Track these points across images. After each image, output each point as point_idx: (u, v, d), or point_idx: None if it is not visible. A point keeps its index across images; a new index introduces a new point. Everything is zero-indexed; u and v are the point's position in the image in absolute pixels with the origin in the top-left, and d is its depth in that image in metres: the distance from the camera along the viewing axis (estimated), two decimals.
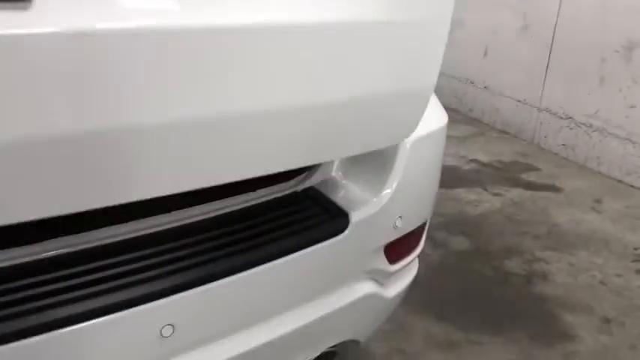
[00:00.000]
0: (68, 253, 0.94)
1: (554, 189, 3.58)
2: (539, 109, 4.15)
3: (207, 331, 1.03)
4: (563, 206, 3.36)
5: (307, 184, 1.25)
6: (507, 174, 3.75)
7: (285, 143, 0.94)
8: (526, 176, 3.74)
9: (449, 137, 4.64)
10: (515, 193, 3.50)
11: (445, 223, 3.09)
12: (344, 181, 1.27)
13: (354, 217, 1.17)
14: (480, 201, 3.37)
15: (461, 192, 3.46)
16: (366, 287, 1.28)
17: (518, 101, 4.30)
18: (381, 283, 1.34)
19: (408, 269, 1.44)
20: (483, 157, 3.98)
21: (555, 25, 3.93)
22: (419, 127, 1.23)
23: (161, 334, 0.95)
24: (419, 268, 2.65)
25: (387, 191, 1.22)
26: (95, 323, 0.86)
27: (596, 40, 3.68)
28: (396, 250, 1.31)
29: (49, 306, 0.85)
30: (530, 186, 3.60)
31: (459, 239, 2.95)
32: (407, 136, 1.16)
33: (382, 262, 1.30)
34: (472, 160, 3.92)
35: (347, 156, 1.16)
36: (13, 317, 0.81)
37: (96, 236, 0.98)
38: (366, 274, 1.28)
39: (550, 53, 4.00)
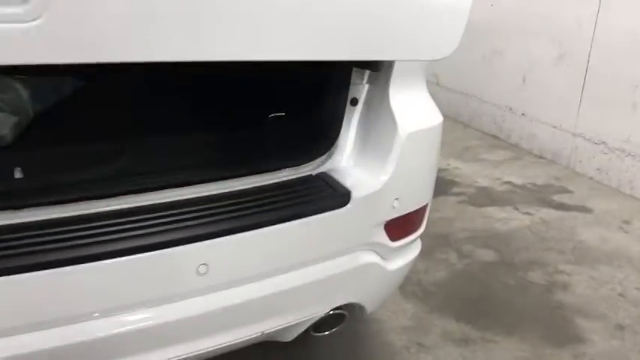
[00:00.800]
0: (141, 206, 1.26)
1: (584, 210, 3.70)
2: (574, 135, 4.29)
3: (235, 274, 1.31)
4: (591, 225, 3.47)
5: (321, 169, 1.53)
6: (539, 195, 3.89)
7: (342, 31, 1.15)
8: (558, 198, 3.87)
9: (486, 160, 4.82)
10: (545, 212, 3.63)
11: (473, 237, 3.27)
12: (352, 169, 1.54)
13: (355, 194, 1.43)
14: (509, 219, 3.53)
15: (492, 210, 3.63)
16: (368, 257, 1.53)
17: (554, 127, 4.45)
18: (383, 257, 1.58)
19: (410, 248, 1.67)
20: (517, 180, 4.13)
21: (589, 53, 4.10)
22: (414, 122, 1.49)
23: (198, 272, 1.24)
24: (442, 274, 2.86)
25: (384, 176, 1.47)
26: (153, 254, 1.17)
27: (628, 67, 3.82)
28: (395, 229, 1.55)
29: (125, 238, 1.16)
30: (560, 207, 3.73)
31: (485, 251, 3.13)
32: (447, 53, 1.35)
33: (383, 238, 1.54)
34: (506, 182, 4.08)
35: (392, 59, 1.36)
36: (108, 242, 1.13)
37: (163, 195, 1.30)
38: (368, 245, 1.54)
39: (584, 81, 4.16)
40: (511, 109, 4.83)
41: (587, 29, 4.07)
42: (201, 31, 1.02)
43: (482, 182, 4.01)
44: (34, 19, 0.87)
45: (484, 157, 4.48)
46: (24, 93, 1.51)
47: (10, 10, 0.85)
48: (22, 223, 1.18)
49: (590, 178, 4.17)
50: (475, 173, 4.17)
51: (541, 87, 4.52)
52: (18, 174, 1.29)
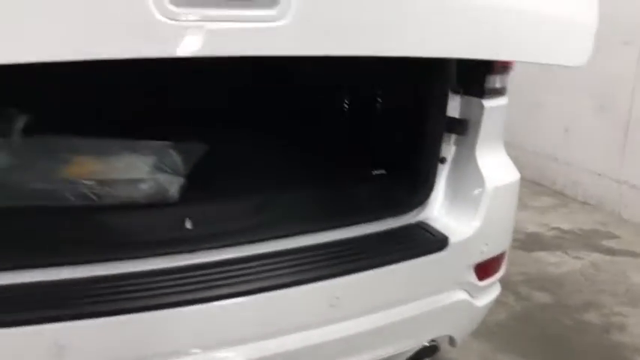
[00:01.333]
0: (282, 250, 1.54)
1: (633, 254, 3.85)
2: (619, 182, 4.47)
3: (354, 308, 1.57)
4: None
5: (418, 218, 1.79)
6: (588, 240, 4.06)
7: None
8: (606, 243, 4.04)
9: (533, 207, 4.98)
10: (595, 257, 3.80)
11: (528, 280, 3.46)
12: (444, 218, 1.80)
13: (452, 240, 1.69)
14: (560, 263, 3.71)
15: (543, 255, 3.82)
16: (460, 295, 1.78)
17: (599, 174, 4.64)
18: (472, 295, 1.82)
19: (493, 287, 1.91)
20: (565, 226, 4.31)
21: (631, 104, 4.33)
22: (498, 178, 1.75)
23: (329, 304, 1.51)
24: (503, 315, 3.04)
25: (476, 224, 1.74)
26: (297, 289, 1.44)
27: None
28: (483, 270, 1.80)
29: (276, 276, 1.44)
30: (609, 251, 3.90)
31: (540, 294, 3.31)
32: (580, 62, 1.60)
33: (473, 278, 1.79)
34: (554, 228, 4.27)
35: (529, 60, 1.61)
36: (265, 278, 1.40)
37: (294, 241, 1.58)
38: (460, 284, 1.78)
39: (627, 129, 4.37)
40: (555, 157, 5.04)
41: (627, 79, 4.31)
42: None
43: (532, 228, 4.20)
44: (280, 19, 1.16)
45: (530, 204, 4.67)
46: (177, 158, 1.82)
47: (264, 12, 1.15)
48: (195, 264, 1.47)
49: (636, 224, 4.32)
50: (524, 220, 4.36)
51: (584, 136, 4.74)
52: (188, 225, 1.58)
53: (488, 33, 1.44)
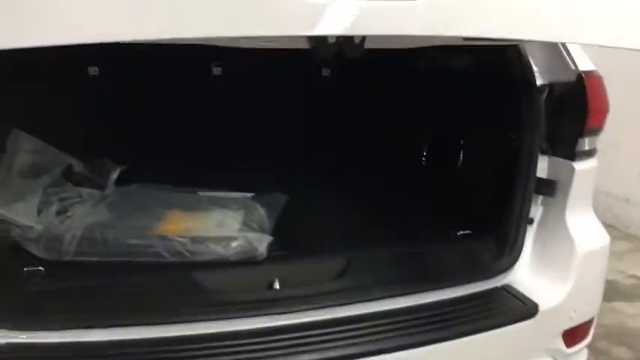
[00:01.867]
0: (366, 314, 1.55)
1: None
2: None
3: None
4: None
5: (505, 281, 1.76)
6: None
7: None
8: None
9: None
10: None
11: (606, 333, 3.31)
12: (531, 282, 1.76)
13: (542, 306, 1.65)
14: (639, 315, 3.54)
15: (621, 305, 3.65)
16: None
17: None
18: None
19: (580, 354, 1.85)
20: None
21: None
22: (588, 241, 1.71)
23: None
24: None
25: (565, 290, 1.69)
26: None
27: None
28: (571, 336, 1.74)
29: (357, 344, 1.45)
30: None
31: (620, 349, 3.16)
32: None
33: (560, 344, 1.74)
34: (631, 276, 4.08)
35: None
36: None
37: (380, 304, 1.59)
38: (547, 352, 1.73)
39: None
40: (628, 200, 4.86)
41: None
42: None
43: (608, 275, 4.03)
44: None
45: None
46: (263, 213, 1.87)
47: None
48: (282, 326, 1.49)
49: None
50: None
51: None
52: (277, 285, 1.61)
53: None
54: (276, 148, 2.69)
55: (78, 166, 2.12)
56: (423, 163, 2.40)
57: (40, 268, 1.61)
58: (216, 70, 2.86)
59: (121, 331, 1.46)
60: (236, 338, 1.48)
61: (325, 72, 3.01)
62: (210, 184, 2.21)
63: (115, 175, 2.06)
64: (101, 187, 2.03)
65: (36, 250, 1.71)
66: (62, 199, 1.86)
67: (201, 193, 2.06)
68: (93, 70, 2.69)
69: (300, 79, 2.88)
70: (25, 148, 1.96)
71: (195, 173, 2.22)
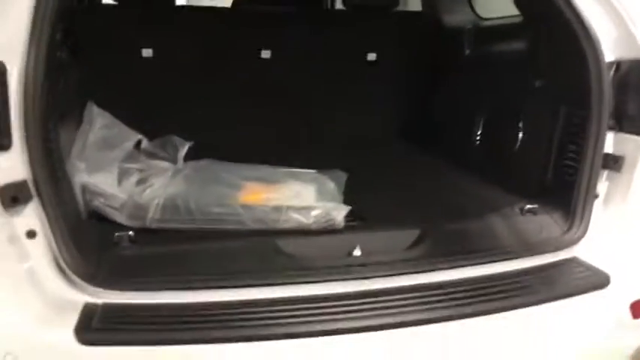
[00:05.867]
0: (450, 281, 1.61)
1: None
2: None
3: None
4: None
5: (574, 254, 1.81)
6: None
7: None
8: None
9: None
10: None
11: None
12: (601, 254, 1.80)
13: (613, 277, 1.70)
14: None
15: None
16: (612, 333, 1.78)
17: None
18: (623, 332, 1.82)
19: None
20: None
21: None
22: None
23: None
24: None
25: (636, 261, 1.74)
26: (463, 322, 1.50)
27: None
28: (638, 308, 1.79)
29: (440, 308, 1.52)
30: None
31: None
32: None
33: (628, 316, 1.78)
34: None
35: None
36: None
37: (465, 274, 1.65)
38: (615, 322, 1.78)
39: None
40: None
41: None
42: None
43: None
44: None
45: None
46: (333, 186, 1.92)
47: None
48: (362, 291, 1.55)
49: None
50: None
51: None
52: (357, 252, 1.67)
53: None
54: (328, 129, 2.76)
55: (145, 142, 2.17)
56: (487, 140, 2.45)
57: (130, 232, 1.66)
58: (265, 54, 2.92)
59: (212, 293, 1.52)
60: (320, 301, 1.54)
61: (371, 57, 3.06)
62: (268, 162, 2.26)
63: (184, 151, 2.11)
64: (171, 162, 2.08)
65: (120, 218, 1.76)
66: (140, 171, 1.91)
67: (263, 167, 2.11)
68: (146, 52, 2.75)
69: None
70: (100, 122, 2.01)
71: (253, 152, 2.28)
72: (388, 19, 3.01)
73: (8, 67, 1.35)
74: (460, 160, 2.47)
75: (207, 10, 3.12)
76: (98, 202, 1.78)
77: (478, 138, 2.48)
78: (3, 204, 1.41)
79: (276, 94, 2.86)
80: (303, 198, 1.81)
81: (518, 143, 2.21)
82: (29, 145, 1.39)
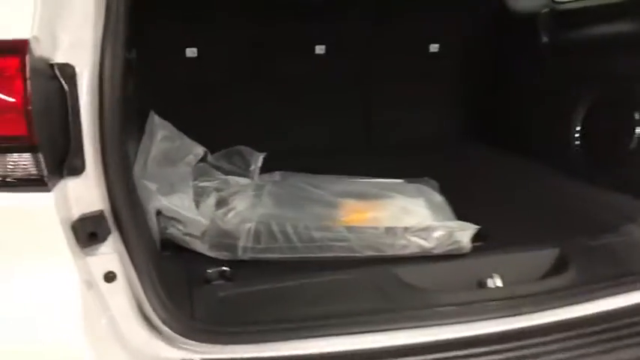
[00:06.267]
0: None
1: None
2: None
3: None
4: None
5: None
6: None
7: None
8: None
9: None
10: None
11: None
12: None
13: None
14: None
15: None
16: None
17: None
18: None
19: None
20: None
21: None
22: None
23: None
24: None
25: None
26: None
27: None
28: None
29: None
30: None
31: None
32: None
33: None
34: None
35: None
36: None
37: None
38: None
39: None
40: None
41: None
42: None
43: None
44: None
45: None
46: (439, 197, 1.65)
47: None
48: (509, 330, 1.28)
49: None
50: None
51: None
52: (498, 282, 1.37)
53: None
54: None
55: (209, 154, 1.88)
56: (591, 138, 2.15)
57: (223, 268, 1.37)
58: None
59: (332, 341, 1.24)
60: (462, 347, 1.26)
61: (433, 48, 2.78)
62: (342, 170, 1.98)
63: (259, 163, 1.82)
64: (243, 176, 1.80)
65: (202, 248, 1.48)
66: (218, 190, 1.62)
67: (351, 179, 1.82)
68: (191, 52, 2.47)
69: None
70: (160, 134, 1.73)
71: (309, 158, 1.99)
72: (452, 6, 2.72)
73: (77, 70, 1.07)
74: (555, 162, 2.18)
75: (254, 3, 2.84)
76: (175, 230, 1.49)
77: (577, 136, 2.19)
78: (79, 242, 1.13)
79: (332, 92, 2.58)
80: (414, 215, 1.53)
81: (635, 139, 1.92)
82: (106, 166, 1.11)
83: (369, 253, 1.45)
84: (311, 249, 1.45)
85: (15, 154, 1.09)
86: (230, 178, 1.70)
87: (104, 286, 1.18)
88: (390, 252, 1.45)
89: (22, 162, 1.10)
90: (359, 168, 1.96)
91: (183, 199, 1.52)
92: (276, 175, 1.83)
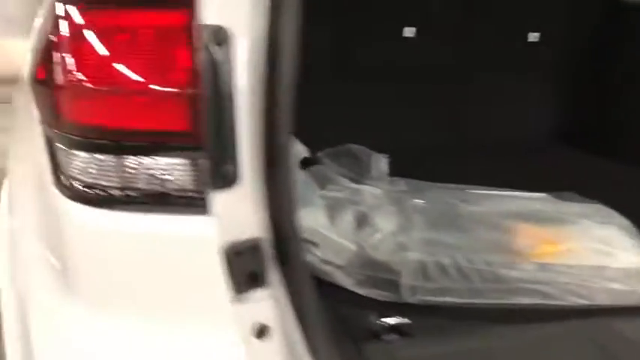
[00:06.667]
0: None
1: None
2: None
3: None
4: None
5: None
6: None
7: None
8: None
9: None
10: None
11: None
12: None
13: None
14: None
15: None
16: None
17: None
18: None
19: None
20: None
21: None
22: None
23: None
24: None
25: None
26: None
27: None
28: None
29: None
30: None
31: None
32: None
33: None
34: None
35: None
36: None
37: None
38: None
39: None
40: None
41: None
42: None
43: None
44: None
45: None
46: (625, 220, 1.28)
47: None
48: None
49: None
50: None
51: None
52: None
53: None
54: None
55: (312, 155, 1.50)
56: None
57: (402, 319, 1.00)
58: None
59: None
60: None
61: (533, 37, 2.44)
62: (435, 173, 1.59)
63: (384, 166, 1.44)
64: (359, 182, 1.41)
65: (347, 283, 1.11)
66: (353, 203, 1.24)
67: (498, 192, 1.45)
68: None
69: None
70: None
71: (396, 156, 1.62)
72: None
73: (234, 34, 0.71)
74: None
75: None
76: (310, 256, 1.11)
77: None
78: (235, 288, 0.78)
79: (420, 80, 2.25)
80: (617, 248, 1.17)
81: None
82: (272, 175, 0.76)
83: (573, 299, 1.10)
84: (499, 292, 1.09)
85: (164, 159, 0.73)
86: (363, 187, 1.32)
87: (255, 344, 0.82)
88: (604, 300, 1.10)
89: (175, 170, 0.73)
90: (454, 170, 1.61)
91: (317, 215, 1.15)
92: (401, 184, 1.45)
